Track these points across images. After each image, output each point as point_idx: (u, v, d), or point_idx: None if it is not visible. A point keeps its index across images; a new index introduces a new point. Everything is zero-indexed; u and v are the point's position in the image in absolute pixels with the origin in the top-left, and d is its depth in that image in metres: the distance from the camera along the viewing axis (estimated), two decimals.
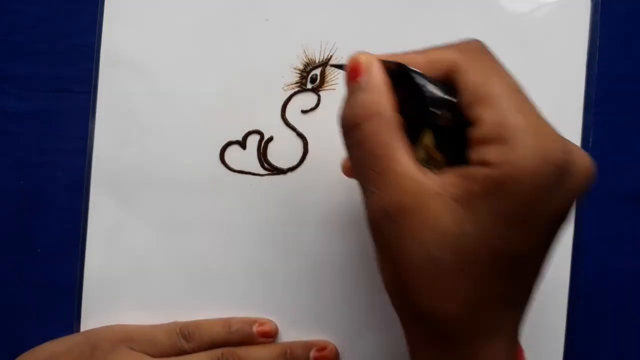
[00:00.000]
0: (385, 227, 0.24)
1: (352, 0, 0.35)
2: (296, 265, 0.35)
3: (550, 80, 0.35)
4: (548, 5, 0.35)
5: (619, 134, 0.35)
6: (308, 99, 0.35)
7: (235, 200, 0.35)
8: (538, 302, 0.35)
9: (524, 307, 0.25)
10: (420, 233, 0.23)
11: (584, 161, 0.23)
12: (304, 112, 0.35)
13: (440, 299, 0.23)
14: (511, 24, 0.35)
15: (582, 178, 0.23)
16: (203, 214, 0.35)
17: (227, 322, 0.34)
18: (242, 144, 0.35)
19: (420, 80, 0.24)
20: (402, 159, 0.23)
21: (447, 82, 0.24)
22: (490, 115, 0.22)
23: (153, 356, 0.33)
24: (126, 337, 0.33)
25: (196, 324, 0.34)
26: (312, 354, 0.34)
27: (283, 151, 0.35)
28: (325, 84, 0.35)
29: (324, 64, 0.35)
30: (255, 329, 0.34)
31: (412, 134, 0.24)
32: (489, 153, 0.22)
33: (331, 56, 0.35)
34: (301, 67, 0.35)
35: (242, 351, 0.33)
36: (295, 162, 0.35)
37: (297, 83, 0.35)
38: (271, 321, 0.35)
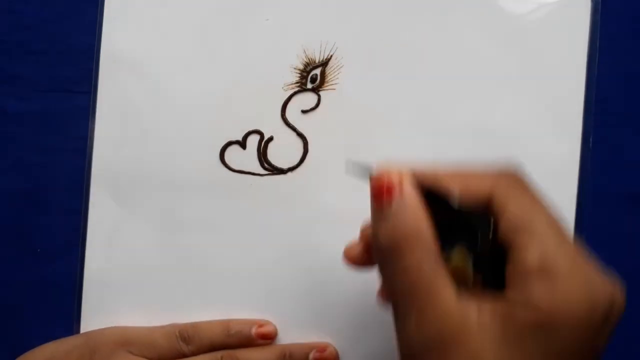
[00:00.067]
0: (425, 359, 0.23)
1: (352, 0, 0.35)
2: (296, 265, 0.35)
3: (550, 81, 0.35)
4: (548, 5, 0.35)
5: (619, 134, 0.35)
6: (308, 99, 0.35)
7: (235, 200, 0.35)
8: None
9: None
10: None
11: (621, 298, 0.23)
12: (304, 112, 0.35)
13: None
14: (512, 24, 0.35)
15: (619, 313, 0.23)
16: (203, 214, 0.35)
17: (226, 324, 0.34)
18: (242, 144, 0.35)
19: (456, 205, 0.23)
20: (445, 292, 0.22)
21: (483, 211, 0.23)
22: (534, 249, 0.22)
23: None
24: (125, 341, 0.33)
25: (195, 327, 0.34)
26: (311, 355, 0.34)
27: (283, 151, 0.35)
28: (326, 84, 0.35)
29: (324, 63, 0.35)
30: (254, 331, 0.34)
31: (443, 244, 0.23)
32: (534, 290, 0.21)
33: (331, 56, 0.35)
34: (301, 67, 0.35)
35: (241, 354, 0.33)
36: (295, 162, 0.35)
37: (297, 83, 0.35)
38: (270, 323, 0.35)
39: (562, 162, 0.35)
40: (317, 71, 0.35)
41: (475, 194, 0.23)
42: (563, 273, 0.21)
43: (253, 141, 0.35)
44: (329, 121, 0.35)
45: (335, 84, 0.35)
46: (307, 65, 0.35)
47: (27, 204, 0.36)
